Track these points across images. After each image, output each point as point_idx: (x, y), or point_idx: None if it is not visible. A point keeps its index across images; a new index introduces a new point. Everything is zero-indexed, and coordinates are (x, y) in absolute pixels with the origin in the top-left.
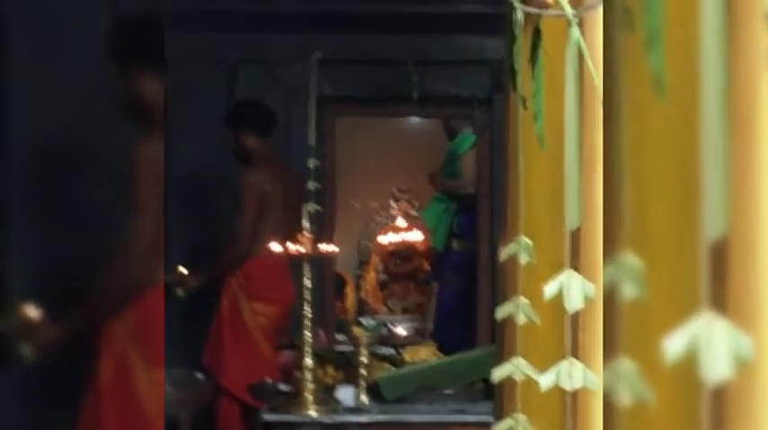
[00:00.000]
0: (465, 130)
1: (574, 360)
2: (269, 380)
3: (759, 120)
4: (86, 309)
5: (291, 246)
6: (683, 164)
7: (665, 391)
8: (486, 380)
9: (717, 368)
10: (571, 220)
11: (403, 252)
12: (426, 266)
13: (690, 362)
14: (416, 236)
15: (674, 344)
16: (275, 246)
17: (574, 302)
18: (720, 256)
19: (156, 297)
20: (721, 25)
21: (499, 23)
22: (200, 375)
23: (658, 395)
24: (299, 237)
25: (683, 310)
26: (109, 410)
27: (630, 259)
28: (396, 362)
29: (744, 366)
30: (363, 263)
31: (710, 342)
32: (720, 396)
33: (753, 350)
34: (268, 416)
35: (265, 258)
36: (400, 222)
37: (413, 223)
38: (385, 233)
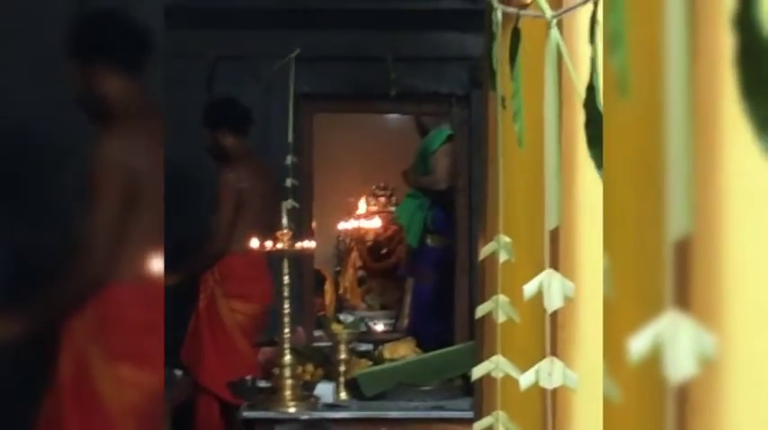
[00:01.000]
0: (438, 127)
1: (554, 358)
2: (248, 378)
3: (722, 119)
4: (44, 305)
5: (270, 243)
6: (647, 163)
7: (631, 389)
8: (466, 377)
9: (681, 366)
10: (550, 220)
11: (381, 248)
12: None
13: (654, 361)
14: (394, 231)
15: (638, 343)
16: (253, 243)
17: (554, 301)
18: (684, 255)
19: (118, 292)
20: (684, 25)
21: (477, 20)
22: (178, 372)
23: (624, 393)
24: (278, 233)
25: (648, 309)
26: (69, 407)
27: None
28: (375, 358)
29: (707, 364)
30: (342, 259)
31: (675, 340)
32: (685, 394)
33: (716, 348)
34: (247, 413)
35: (242, 255)
36: (375, 220)
37: (391, 220)
38: (363, 231)
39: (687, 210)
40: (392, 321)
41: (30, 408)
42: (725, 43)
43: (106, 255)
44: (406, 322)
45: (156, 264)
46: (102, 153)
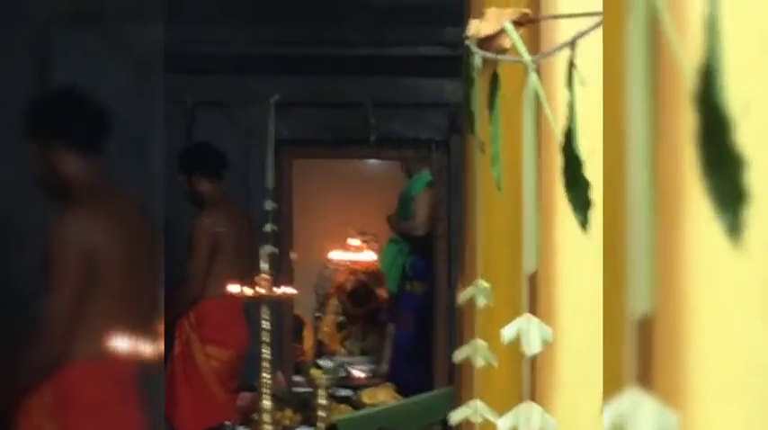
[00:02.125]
0: (420, 171)
1: (532, 403)
2: (227, 423)
3: (684, 198)
4: (1, 384)
5: (248, 289)
6: (609, 243)
7: None
8: (445, 422)
9: None
10: (528, 264)
11: (361, 293)
12: (383, 308)
13: None
14: (375, 277)
15: (605, 420)
16: (233, 289)
17: (532, 346)
18: (646, 333)
19: (77, 370)
20: (646, 104)
21: (456, 66)
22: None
23: None
24: (257, 278)
25: (610, 387)
26: None
27: None
28: (354, 403)
29: None
30: (321, 304)
31: (636, 420)
32: None
33: (678, 427)
34: None
35: (218, 300)
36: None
37: (371, 264)
38: (343, 277)
39: (648, 289)
40: (372, 366)
41: None
42: (686, 121)
43: (65, 334)
44: (386, 367)
45: (120, 341)
46: (62, 231)
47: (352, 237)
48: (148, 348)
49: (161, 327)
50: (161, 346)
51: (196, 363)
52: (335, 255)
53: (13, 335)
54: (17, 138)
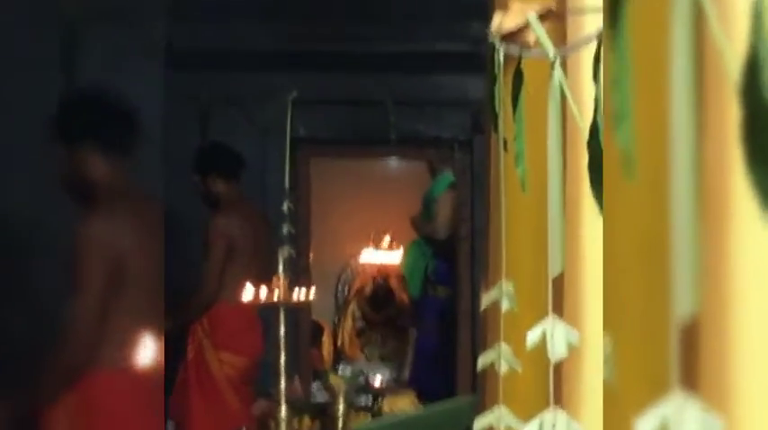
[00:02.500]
0: (444, 172)
1: (558, 409)
2: None
3: (730, 195)
4: (28, 393)
5: (264, 293)
6: (652, 241)
7: None
8: None
9: None
10: (554, 266)
11: (380, 298)
12: (405, 313)
13: None
14: (396, 281)
15: (644, 427)
16: (248, 293)
17: (557, 350)
18: (691, 335)
19: (103, 379)
20: (691, 99)
21: (480, 63)
22: (170, 425)
23: None
24: (273, 282)
25: (653, 392)
26: None
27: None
28: (373, 411)
29: None
30: (340, 309)
31: (681, 425)
32: None
33: None
34: None
35: (232, 305)
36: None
37: (392, 268)
38: (364, 280)
39: (693, 289)
40: (392, 373)
41: None
42: (731, 114)
43: (90, 340)
44: (407, 374)
45: (148, 349)
46: (87, 236)
47: (372, 240)
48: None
49: (161, 336)
50: (161, 355)
51: (210, 370)
52: (364, 257)
53: (39, 341)
54: (44, 140)
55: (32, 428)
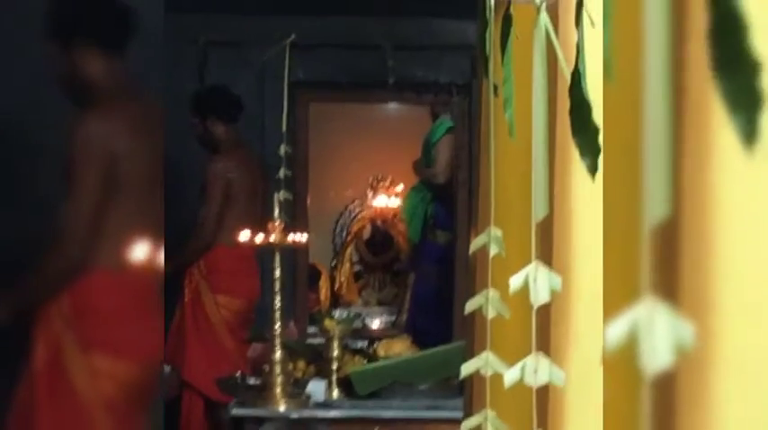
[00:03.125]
0: (443, 116)
1: (540, 355)
2: (237, 374)
3: (708, 100)
4: (21, 292)
5: (261, 236)
6: (630, 147)
7: (610, 381)
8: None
9: (657, 357)
10: (538, 210)
11: (379, 242)
12: (403, 257)
13: (630, 351)
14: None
15: (614, 332)
16: (243, 236)
17: (540, 295)
18: (667, 241)
19: (95, 281)
20: (666, 4)
21: (478, 8)
22: (166, 368)
23: (605, 384)
24: (270, 225)
25: (629, 296)
26: (42, 395)
27: None
28: (369, 355)
29: (685, 355)
30: (338, 253)
31: (651, 329)
32: (663, 385)
33: (695, 338)
34: (236, 411)
35: (229, 248)
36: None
37: (391, 212)
38: (362, 224)
39: (667, 191)
40: (389, 318)
41: (4, 395)
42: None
43: (85, 241)
44: (405, 318)
45: (143, 252)
46: (82, 136)
47: (371, 184)
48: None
49: (160, 240)
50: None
51: (206, 313)
52: (370, 200)
53: (33, 243)
54: (38, 38)
55: (27, 328)
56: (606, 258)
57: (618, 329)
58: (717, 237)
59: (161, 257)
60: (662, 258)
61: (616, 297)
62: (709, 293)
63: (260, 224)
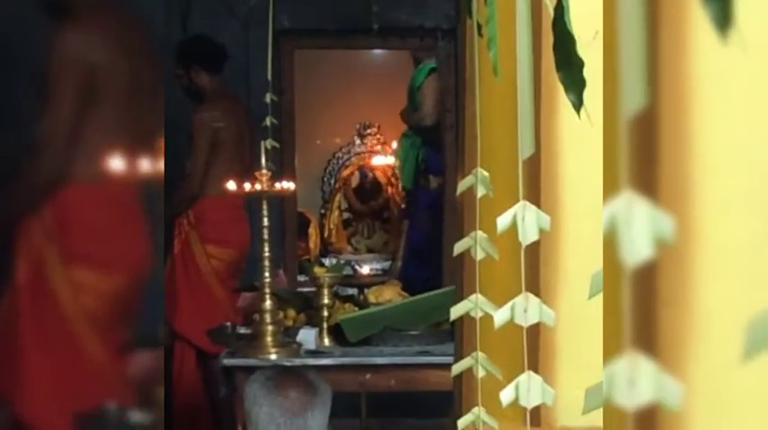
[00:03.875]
0: (426, 61)
1: (529, 295)
2: (228, 324)
3: None
4: (2, 205)
5: (248, 185)
6: (607, 34)
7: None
8: (454, 321)
9: (636, 249)
10: (524, 148)
11: (367, 189)
12: (392, 203)
13: (610, 244)
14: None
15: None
16: (230, 185)
17: (528, 234)
18: (645, 133)
19: (75, 193)
20: None
21: None
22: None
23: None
24: (257, 174)
25: (610, 190)
26: (25, 308)
27: None
28: (359, 302)
29: (665, 247)
30: (327, 201)
31: (629, 222)
32: (643, 278)
33: (675, 229)
34: (227, 361)
35: (218, 198)
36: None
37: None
38: (350, 171)
39: (642, 84)
40: (379, 265)
41: None
42: None
43: (63, 153)
44: (399, 265)
45: (121, 163)
46: (58, 47)
47: (358, 131)
48: (149, 170)
49: (161, 147)
50: (161, 167)
51: (196, 263)
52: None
53: (12, 155)
54: None
55: (8, 241)
56: (604, 155)
57: (603, 222)
58: (694, 128)
59: (152, 168)
60: (640, 150)
61: (607, 191)
62: (689, 185)
63: (248, 173)
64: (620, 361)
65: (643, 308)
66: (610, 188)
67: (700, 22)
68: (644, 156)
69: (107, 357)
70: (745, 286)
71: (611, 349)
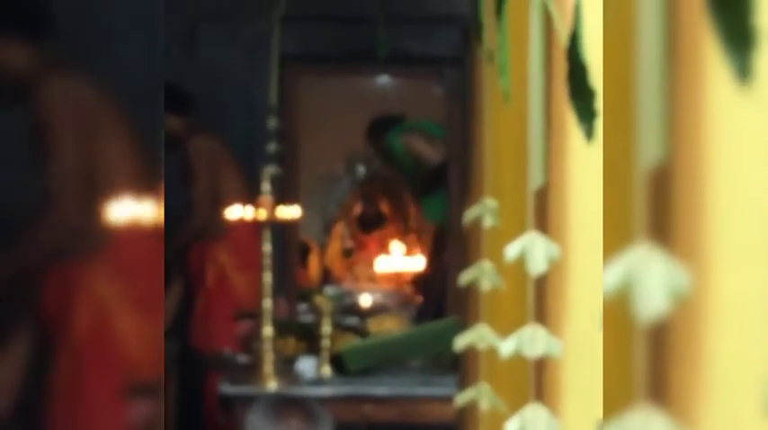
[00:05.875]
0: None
1: (536, 325)
2: (227, 351)
3: (702, 40)
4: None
5: (250, 211)
6: (623, 86)
7: (608, 329)
8: (456, 353)
9: (652, 303)
10: (535, 178)
11: (370, 218)
12: (394, 234)
13: (625, 297)
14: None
15: (609, 278)
16: (232, 211)
17: (537, 265)
18: (661, 184)
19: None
20: None
21: None
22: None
23: (604, 333)
24: (259, 200)
25: (624, 243)
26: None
27: None
28: (360, 332)
29: (681, 301)
30: (329, 229)
31: (646, 275)
32: (659, 332)
33: (691, 283)
34: (226, 389)
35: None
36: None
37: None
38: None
39: (661, 136)
40: (379, 295)
41: None
42: None
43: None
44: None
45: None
46: (59, 93)
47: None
48: None
49: None
50: None
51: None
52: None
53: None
54: None
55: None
56: (605, 206)
57: (613, 275)
58: (712, 180)
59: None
60: (657, 202)
61: (614, 244)
62: (705, 238)
63: (250, 199)
64: (633, 415)
65: (656, 361)
66: (616, 239)
67: (719, 73)
68: (660, 208)
69: None
70: (762, 340)
71: (614, 402)
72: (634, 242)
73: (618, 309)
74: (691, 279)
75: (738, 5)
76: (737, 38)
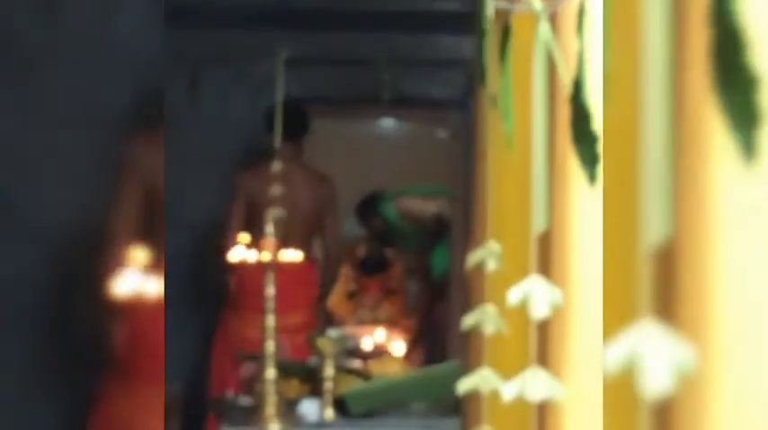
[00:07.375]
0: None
1: (538, 369)
2: (229, 394)
3: (706, 119)
4: None
5: (254, 253)
6: (628, 168)
7: (610, 405)
8: (458, 396)
9: (656, 381)
10: (537, 223)
11: (373, 262)
12: (398, 277)
13: (629, 374)
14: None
15: (613, 355)
16: (235, 253)
17: (539, 309)
18: (665, 263)
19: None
20: (664, 23)
21: (474, 23)
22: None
23: (605, 409)
24: (263, 242)
25: (627, 319)
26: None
27: None
28: (363, 374)
29: (686, 379)
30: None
31: (650, 353)
32: (663, 410)
33: (695, 361)
34: None
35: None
36: None
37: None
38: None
39: (666, 214)
40: (384, 337)
41: None
42: (703, 38)
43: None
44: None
45: None
46: None
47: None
48: None
49: None
50: None
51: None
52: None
53: None
54: None
55: None
56: (606, 280)
57: (617, 352)
58: (716, 258)
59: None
60: (661, 280)
61: (615, 319)
62: (710, 316)
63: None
64: None
65: None
66: (618, 316)
67: (724, 151)
68: (664, 285)
69: None
70: (766, 418)
71: None
72: (637, 319)
73: (621, 386)
74: (695, 356)
75: (744, 84)
76: (743, 116)
